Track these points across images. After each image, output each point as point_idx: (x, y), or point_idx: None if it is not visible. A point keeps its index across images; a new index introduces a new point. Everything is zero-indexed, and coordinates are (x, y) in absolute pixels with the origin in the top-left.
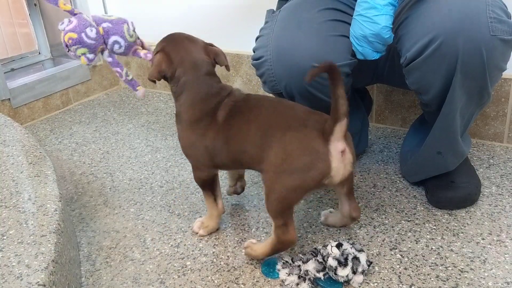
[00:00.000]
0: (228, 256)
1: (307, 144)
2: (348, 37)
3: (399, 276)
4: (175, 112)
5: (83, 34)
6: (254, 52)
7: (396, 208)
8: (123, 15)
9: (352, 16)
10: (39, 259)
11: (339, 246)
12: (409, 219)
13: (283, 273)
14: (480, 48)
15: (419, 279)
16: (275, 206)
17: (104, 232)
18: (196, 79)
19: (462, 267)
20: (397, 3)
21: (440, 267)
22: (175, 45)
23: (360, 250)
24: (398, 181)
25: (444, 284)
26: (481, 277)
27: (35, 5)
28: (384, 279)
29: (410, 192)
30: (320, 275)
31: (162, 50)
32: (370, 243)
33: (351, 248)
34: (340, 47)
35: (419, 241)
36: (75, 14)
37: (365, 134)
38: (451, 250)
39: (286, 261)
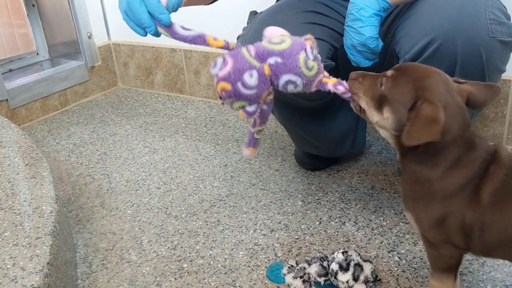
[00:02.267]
0: (225, 258)
1: None
2: (325, 40)
3: (397, 279)
4: (407, 175)
5: (239, 84)
6: None
7: (394, 210)
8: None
9: (336, 20)
10: (34, 261)
11: (344, 252)
12: (407, 221)
13: (289, 278)
14: (479, 50)
15: (417, 281)
16: None
17: (100, 234)
18: (458, 135)
19: (461, 269)
20: (384, 12)
21: None
22: (436, 88)
23: (367, 261)
24: (397, 183)
25: None
26: (480, 280)
27: (33, 5)
28: (382, 282)
29: None
30: (321, 280)
31: (429, 98)
32: (368, 245)
33: (356, 256)
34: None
35: (417, 243)
36: (231, 50)
37: (362, 134)
38: None
39: (291, 265)
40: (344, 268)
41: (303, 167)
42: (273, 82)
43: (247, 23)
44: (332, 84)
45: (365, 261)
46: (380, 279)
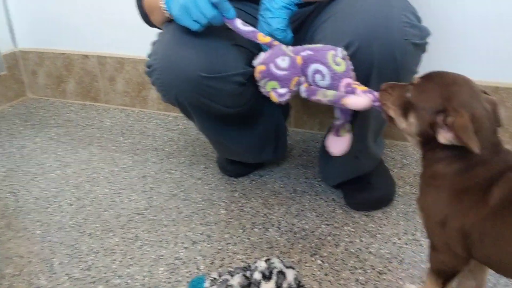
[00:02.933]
0: (144, 276)
1: None
2: (243, 47)
3: (319, 283)
4: (425, 171)
5: (271, 65)
6: (148, 57)
7: (316, 212)
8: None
9: (250, 24)
10: None
11: (267, 260)
12: (329, 223)
13: None
14: (394, 53)
15: (340, 284)
16: None
17: (6, 259)
18: (484, 139)
19: (381, 268)
20: (294, 7)
21: (359, 270)
22: (463, 95)
23: (289, 267)
24: (318, 185)
25: (364, 287)
26: (399, 278)
27: None
28: (305, 287)
29: (329, 195)
30: None
31: (455, 107)
32: (291, 250)
33: (279, 263)
34: (233, 56)
35: (339, 244)
36: (273, 46)
37: (284, 140)
38: (370, 252)
39: (214, 278)
40: (267, 277)
41: (226, 174)
42: (304, 71)
43: (163, 29)
44: (361, 90)
45: (288, 267)
46: (303, 285)
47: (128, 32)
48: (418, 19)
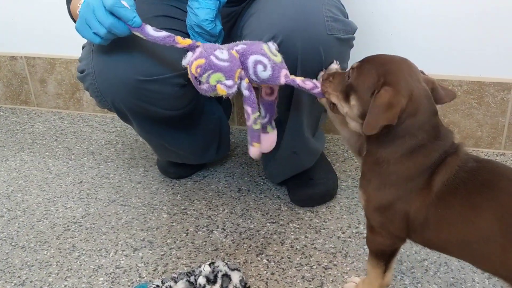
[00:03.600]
0: None
1: None
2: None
3: (266, 283)
4: (368, 156)
5: (212, 57)
6: (79, 62)
7: (261, 211)
8: None
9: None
10: None
11: (211, 264)
12: (274, 221)
13: None
14: (318, 48)
15: (286, 282)
16: None
17: None
18: (424, 121)
19: (326, 264)
20: None
21: (305, 267)
22: (399, 73)
23: (235, 269)
24: (262, 183)
25: (310, 284)
26: (344, 272)
27: None
28: None
29: (274, 193)
30: None
31: (389, 83)
32: (236, 251)
33: (224, 266)
34: (170, 58)
35: (284, 242)
36: (197, 47)
37: (227, 139)
38: (315, 248)
39: (157, 286)
40: (212, 281)
41: (168, 176)
42: (243, 63)
43: None
44: (300, 80)
45: (232, 270)
46: (249, 286)
47: (58, 30)
48: (344, 14)
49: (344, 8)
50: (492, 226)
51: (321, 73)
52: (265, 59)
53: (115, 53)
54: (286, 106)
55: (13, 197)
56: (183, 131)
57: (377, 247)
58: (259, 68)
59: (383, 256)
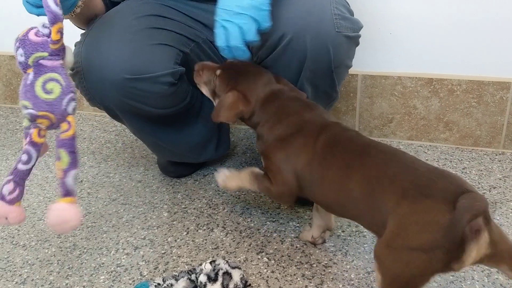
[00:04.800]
0: (83, 286)
1: (429, 219)
2: (172, 46)
3: (266, 281)
4: (256, 137)
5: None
6: None
7: (261, 209)
8: None
9: (183, 23)
10: None
11: (212, 262)
12: (274, 219)
13: None
14: (326, 45)
15: (286, 280)
16: None
17: None
18: (281, 102)
19: (326, 262)
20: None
21: (306, 265)
22: (245, 82)
23: (235, 267)
24: None
25: (310, 282)
26: (344, 270)
27: None
28: (252, 286)
29: None
30: None
31: (234, 88)
32: (237, 249)
33: (224, 264)
34: (159, 56)
35: (284, 241)
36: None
37: (226, 137)
38: (315, 246)
39: (158, 284)
40: (212, 279)
41: (168, 175)
42: None
43: (85, 29)
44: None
45: (233, 268)
46: (250, 284)
47: None
48: (350, 12)
49: (350, 6)
50: (360, 188)
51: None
52: None
53: (103, 51)
54: None
55: None
56: (180, 130)
57: (281, 194)
58: None
59: (283, 196)
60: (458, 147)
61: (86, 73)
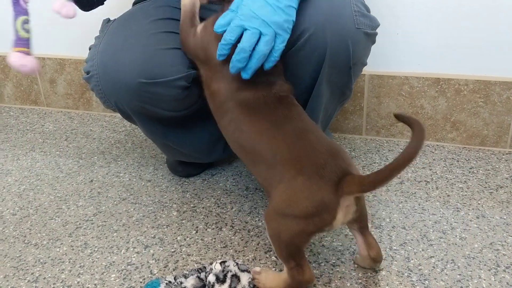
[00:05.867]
0: (95, 285)
1: (317, 197)
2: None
3: None
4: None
5: None
6: (86, 63)
7: None
8: None
9: None
10: None
11: (222, 263)
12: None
13: None
14: (346, 41)
15: None
16: (281, 251)
17: None
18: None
19: (334, 261)
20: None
21: (314, 264)
22: None
23: (244, 270)
24: None
25: (318, 281)
26: (352, 269)
27: None
28: None
29: None
30: None
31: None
32: (245, 248)
33: (234, 266)
34: (173, 60)
35: None
36: None
37: None
38: (323, 245)
39: (169, 281)
40: (221, 280)
41: (177, 174)
42: None
43: (99, 32)
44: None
45: (242, 271)
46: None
47: (68, 31)
48: (368, 9)
49: (365, 3)
50: (270, 150)
51: None
52: None
53: (119, 55)
54: (304, 101)
55: (25, 195)
56: (189, 131)
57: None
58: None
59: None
60: (465, 147)
61: (102, 77)
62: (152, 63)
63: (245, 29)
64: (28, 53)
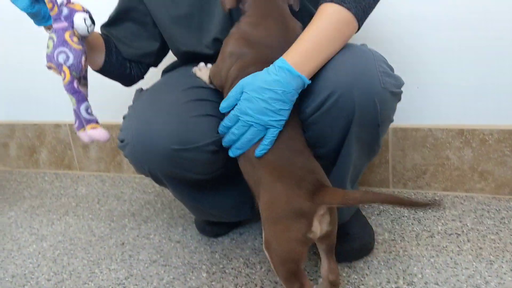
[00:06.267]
0: None
1: (295, 203)
2: (215, 116)
3: None
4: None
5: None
6: (120, 131)
7: None
8: None
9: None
10: None
11: None
12: (312, 278)
13: None
14: (374, 100)
15: None
16: (282, 271)
17: None
18: (265, 5)
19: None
20: None
21: None
22: None
23: None
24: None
25: None
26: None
27: None
28: None
29: (310, 248)
30: None
31: None
32: None
33: None
34: (204, 127)
35: None
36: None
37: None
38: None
39: None
40: None
41: (205, 234)
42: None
43: (133, 102)
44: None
45: None
46: None
47: (98, 99)
48: (391, 69)
49: (389, 63)
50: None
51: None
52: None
53: (153, 124)
54: (333, 159)
55: (59, 260)
56: (216, 193)
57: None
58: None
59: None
60: (494, 197)
61: (136, 145)
62: (184, 131)
63: (239, 119)
64: (96, 127)
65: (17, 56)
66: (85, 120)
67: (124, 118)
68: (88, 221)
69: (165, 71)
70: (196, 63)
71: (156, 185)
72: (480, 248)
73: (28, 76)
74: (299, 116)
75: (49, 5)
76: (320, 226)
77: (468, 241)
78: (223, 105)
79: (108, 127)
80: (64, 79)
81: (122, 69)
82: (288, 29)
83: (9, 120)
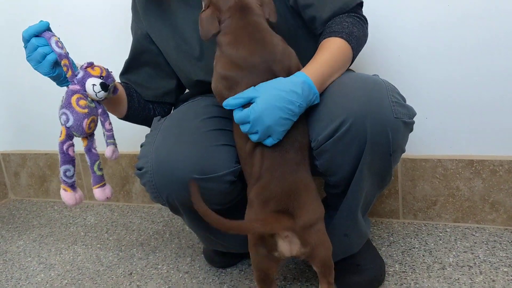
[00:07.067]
0: None
1: (256, 224)
2: (231, 145)
3: None
4: None
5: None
6: (138, 160)
7: None
8: None
9: None
10: None
11: None
12: None
13: None
14: (386, 130)
15: None
16: (255, 274)
17: None
18: (241, 22)
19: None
20: None
21: None
22: None
23: None
24: (307, 271)
25: None
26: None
27: None
28: None
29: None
30: None
31: (210, 3)
32: None
33: None
34: (223, 156)
35: None
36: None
37: None
38: None
39: None
40: None
41: (214, 265)
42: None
43: (151, 130)
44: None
45: None
46: None
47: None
48: (404, 99)
49: (401, 94)
50: (255, 164)
51: None
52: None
53: (173, 153)
54: (344, 187)
55: None
56: None
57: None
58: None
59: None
60: (506, 228)
61: (156, 174)
62: (204, 160)
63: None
64: (105, 185)
65: (29, 86)
66: (62, 180)
67: (141, 146)
68: (97, 251)
69: (180, 101)
70: (208, 92)
71: (165, 215)
72: (493, 280)
73: (40, 107)
74: (311, 144)
75: (64, 68)
76: (289, 247)
77: (481, 273)
78: (231, 102)
79: (120, 156)
80: (59, 136)
81: (146, 112)
82: (265, 44)
83: (21, 150)
